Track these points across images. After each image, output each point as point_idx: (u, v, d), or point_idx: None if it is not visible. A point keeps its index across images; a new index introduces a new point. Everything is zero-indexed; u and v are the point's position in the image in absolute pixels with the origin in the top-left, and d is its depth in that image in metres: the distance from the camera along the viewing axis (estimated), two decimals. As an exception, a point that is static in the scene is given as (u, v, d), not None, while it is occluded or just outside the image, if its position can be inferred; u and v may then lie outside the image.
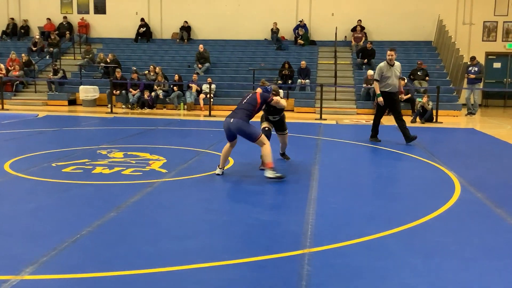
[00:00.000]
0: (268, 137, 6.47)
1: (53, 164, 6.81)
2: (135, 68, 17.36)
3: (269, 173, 5.96)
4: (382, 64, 9.31)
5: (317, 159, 7.50)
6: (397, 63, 9.25)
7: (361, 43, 19.39)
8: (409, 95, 15.44)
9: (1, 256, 3.60)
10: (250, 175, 6.29)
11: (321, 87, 14.65)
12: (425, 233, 4.27)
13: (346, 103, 16.66)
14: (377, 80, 9.26)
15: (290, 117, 14.83)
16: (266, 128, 6.64)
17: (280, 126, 6.91)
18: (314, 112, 15.46)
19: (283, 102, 6.50)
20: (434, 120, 13.58)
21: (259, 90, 6.35)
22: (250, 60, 19.07)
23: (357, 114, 15.72)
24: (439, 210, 4.92)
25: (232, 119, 6.05)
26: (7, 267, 3.35)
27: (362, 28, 19.91)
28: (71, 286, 3.15)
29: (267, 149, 6.00)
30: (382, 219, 4.65)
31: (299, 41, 20.03)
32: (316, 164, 7.12)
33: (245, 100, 6.22)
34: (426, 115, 13.58)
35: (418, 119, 13.60)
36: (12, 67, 18.02)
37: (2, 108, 15.46)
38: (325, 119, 13.69)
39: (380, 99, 9.21)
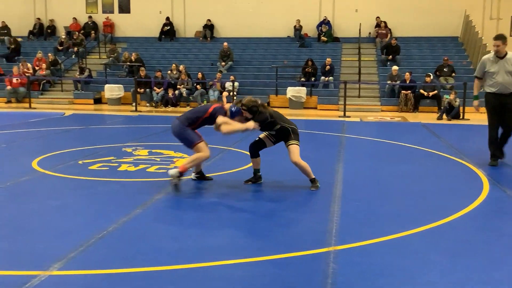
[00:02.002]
0: (256, 146, 5.80)
1: (80, 162, 6.91)
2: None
3: (172, 172, 5.38)
4: (486, 56, 6.95)
5: (341, 157, 7.44)
6: (510, 55, 6.70)
7: (386, 39, 19.17)
8: (435, 92, 15.22)
9: (30, 252, 3.67)
10: (274, 173, 6.26)
11: (344, 84, 14.56)
12: (452, 232, 4.20)
13: (370, 100, 16.51)
14: (477, 78, 7.07)
15: (313, 115, 14.86)
16: (257, 139, 5.88)
17: (284, 136, 5.71)
18: (338, 110, 15.35)
19: (225, 128, 5.35)
20: (461, 117, 13.35)
21: (226, 106, 5.57)
22: (273, 58, 19.03)
23: (382, 111, 15.56)
24: (467, 208, 4.83)
25: (174, 120, 5.61)
26: (36, 262, 3.42)
27: (387, 24, 19.68)
28: (98, 281, 3.20)
29: (197, 156, 5.46)
30: (408, 217, 4.59)
31: (322, 38, 19.91)
32: (340, 161, 7.07)
33: (199, 107, 5.81)
34: (452, 112, 13.37)
35: (444, 116, 13.39)
36: (39, 67, 18.36)
37: (30, 107, 15.75)
38: (349, 117, 13.59)
39: (476, 103, 7.14)
